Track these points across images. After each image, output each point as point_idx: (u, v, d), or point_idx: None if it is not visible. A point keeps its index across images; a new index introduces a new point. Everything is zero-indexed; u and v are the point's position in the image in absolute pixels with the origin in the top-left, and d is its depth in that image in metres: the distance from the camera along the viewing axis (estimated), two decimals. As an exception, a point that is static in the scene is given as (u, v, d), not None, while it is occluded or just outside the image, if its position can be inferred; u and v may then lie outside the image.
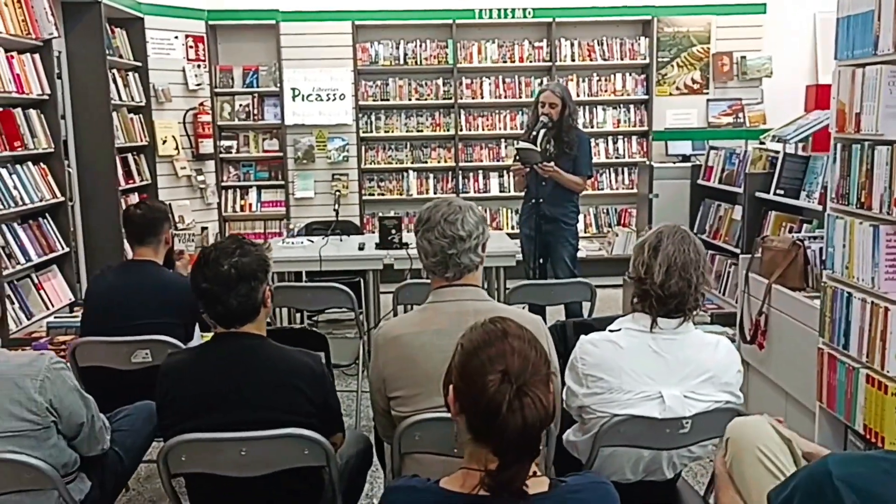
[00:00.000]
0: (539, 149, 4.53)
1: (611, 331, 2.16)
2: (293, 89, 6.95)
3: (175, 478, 2.06)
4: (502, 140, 7.17)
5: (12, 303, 4.35)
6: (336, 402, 2.18)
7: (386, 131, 7.15)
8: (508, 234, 5.72)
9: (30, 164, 4.68)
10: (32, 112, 4.71)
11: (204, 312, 3.01)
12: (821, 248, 3.13)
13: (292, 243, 5.09)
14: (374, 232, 6.19)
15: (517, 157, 4.71)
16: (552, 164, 4.57)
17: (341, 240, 5.13)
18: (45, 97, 4.83)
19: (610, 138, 7.21)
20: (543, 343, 2.11)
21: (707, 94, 7.08)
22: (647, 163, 5.83)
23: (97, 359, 2.93)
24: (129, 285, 3.03)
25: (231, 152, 7.11)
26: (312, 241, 5.09)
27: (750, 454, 1.88)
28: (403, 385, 2.07)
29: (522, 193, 4.97)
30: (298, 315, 5.44)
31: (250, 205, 7.17)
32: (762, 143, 4.85)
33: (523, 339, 1.37)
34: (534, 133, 4.61)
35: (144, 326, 2.90)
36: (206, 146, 6.82)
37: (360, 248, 4.83)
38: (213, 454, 1.98)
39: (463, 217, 2.10)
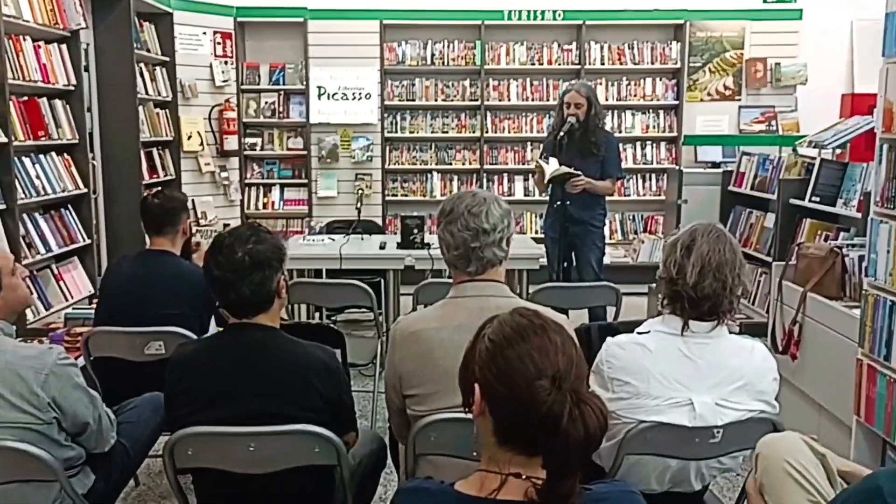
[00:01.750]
0: (561, 168, 4.41)
1: (639, 333, 2.06)
2: (319, 87, 6.91)
3: (183, 473, 1.99)
4: (528, 143, 7.07)
5: (31, 293, 4.31)
6: (350, 399, 2.10)
7: (411, 132, 7.09)
8: (533, 239, 5.62)
9: (53, 154, 4.66)
10: (58, 102, 4.70)
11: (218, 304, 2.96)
12: (860, 256, 3.00)
13: (313, 241, 5.03)
14: (396, 232, 6.13)
15: (540, 158, 4.62)
16: (580, 175, 4.44)
17: (362, 239, 5.06)
18: (72, 88, 4.81)
19: (638, 144, 7.09)
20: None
21: (739, 100, 6.94)
22: (677, 168, 5.70)
23: (110, 349, 2.88)
24: (145, 275, 2.97)
25: (255, 149, 7.09)
26: (333, 240, 5.02)
27: (779, 469, 1.78)
28: (420, 382, 1.98)
29: (546, 196, 4.86)
30: (318, 313, 5.38)
31: (273, 202, 7.14)
32: (796, 149, 4.71)
33: (562, 334, 1.27)
34: (560, 134, 4.51)
35: (160, 317, 2.84)
36: (231, 143, 6.80)
37: (382, 248, 4.76)
38: (221, 449, 1.91)
39: (488, 209, 2.02)
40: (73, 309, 4.50)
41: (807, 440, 1.83)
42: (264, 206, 7.13)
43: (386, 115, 7.02)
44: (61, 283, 4.66)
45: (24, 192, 4.25)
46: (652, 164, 7.08)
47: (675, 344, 1.98)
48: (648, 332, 2.04)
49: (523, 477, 1.21)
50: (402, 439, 2.14)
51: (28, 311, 4.19)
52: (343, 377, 2.06)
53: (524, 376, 1.19)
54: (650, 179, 7.12)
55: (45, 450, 1.87)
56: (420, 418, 1.97)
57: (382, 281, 5.08)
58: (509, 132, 7.07)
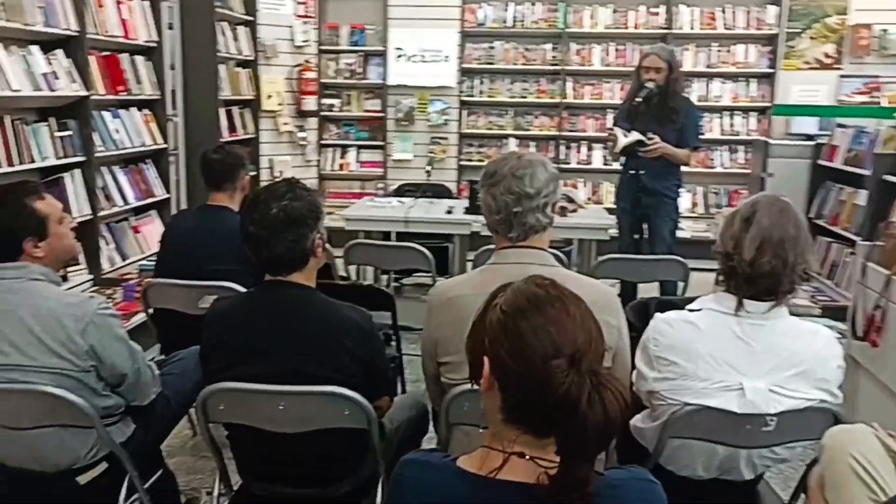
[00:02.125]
0: (636, 137, 4.23)
1: (690, 310, 1.93)
2: (398, 49, 6.85)
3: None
4: (609, 111, 6.83)
5: (108, 243, 4.47)
6: (384, 363, 2.05)
7: (489, 96, 6.96)
8: (608, 210, 5.44)
9: (134, 109, 4.78)
10: (139, 58, 4.80)
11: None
12: (954, 239, 2.75)
13: (381, 203, 5.02)
14: (468, 198, 6.05)
15: (615, 126, 4.44)
16: (655, 138, 4.24)
17: (431, 203, 5.01)
18: (153, 44, 4.91)
19: (726, 114, 6.75)
20: (612, 317, 1.93)
21: (840, 69, 6.47)
22: (762, 139, 5.38)
23: (167, 301, 2.93)
24: (202, 230, 3.00)
25: (333, 110, 7.10)
26: (402, 203, 5.00)
27: (842, 462, 1.64)
28: (455, 350, 1.92)
29: (620, 165, 4.67)
30: (385, 276, 5.38)
31: (349, 164, 7.16)
32: (898, 122, 4.36)
33: (581, 307, 1.18)
34: (637, 100, 4.31)
35: (215, 272, 2.85)
36: (309, 103, 6.84)
37: (449, 212, 4.70)
38: (250, 406, 1.90)
39: (532, 172, 1.91)
40: (148, 261, 4.63)
41: (881, 436, 1.67)
42: (340, 167, 7.17)
43: (464, 78, 6.90)
44: (138, 235, 4.80)
45: (103, 146, 4.36)
46: (740, 135, 6.73)
47: (727, 324, 1.84)
48: (700, 309, 1.91)
49: (527, 457, 1.13)
50: (439, 407, 2.09)
51: (104, 261, 4.34)
52: (377, 340, 2.02)
53: (539, 353, 1.11)
54: (738, 152, 6.78)
55: (82, 397, 1.90)
56: (454, 387, 1.91)
57: (451, 246, 5.03)
58: (590, 98, 6.85)
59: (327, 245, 2.08)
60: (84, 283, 4.13)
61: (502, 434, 1.16)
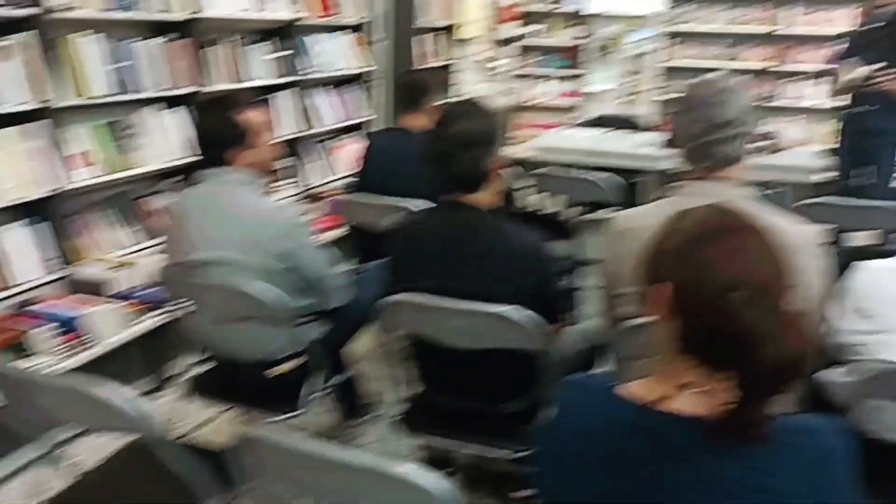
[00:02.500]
0: (863, 72, 3.79)
1: (902, 260, 1.74)
2: (601, -26, 6.58)
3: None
4: (834, 42, 6.15)
5: (315, 160, 4.74)
6: (555, 291, 2.04)
7: (704, 22, 6.50)
8: (832, 150, 4.96)
9: (342, 33, 4.96)
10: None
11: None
12: None
13: (573, 133, 4.91)
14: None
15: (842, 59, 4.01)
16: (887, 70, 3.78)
17: (625, 136, 4.83)
18: (362, -31, 5.04)
19: None
20: (806, 261, 1.78)
21: None
22: None
23: (361, 217, 3.08)
24: (392, 150, 3.11)
25: (531, 39, 6.98)
26: (594, 134, 4.86)
27: None
28: (630, 283, 1.86)
29: (845, 102, 4.21)
30: (575, 208, 5.29)
31: (545, 93, 7.05)
32: None
33: (764, 239, 1.09)
34: (874, 26, 3.86)
35: (403, 190, 2.94)
36: (507, 31, 6.77)
37: (643, 146, 4.51)
38: (423, 319, 1.97)
39: (726, 100, 1.78)
40: (352, 178, 4.85)
41: None
42: (536, 96, 7.07)
43: (673, 5, 6.50)
44: (343, 153, 5.03)
45: (312, 67, 4.59)
46: None
47: (945, 277, 1.64)
48: (915, 259, 1.71)
49: (698, 390, 1.08)
50: (612, 340, 2.05)
51: (311, 177, 4.63)
52: (550, 267, 2.00)
53: (717, 285, 1.04)
54: None
55: (276, 296, 2.06)
56: (627, 320, 1.86)
57: (642, 181, 4.83)
58: (811, 28, 6.20)
59: (511, 170, 2.07)
60: (292, 196, 4.43)
61: (674, 364, 1.11)
